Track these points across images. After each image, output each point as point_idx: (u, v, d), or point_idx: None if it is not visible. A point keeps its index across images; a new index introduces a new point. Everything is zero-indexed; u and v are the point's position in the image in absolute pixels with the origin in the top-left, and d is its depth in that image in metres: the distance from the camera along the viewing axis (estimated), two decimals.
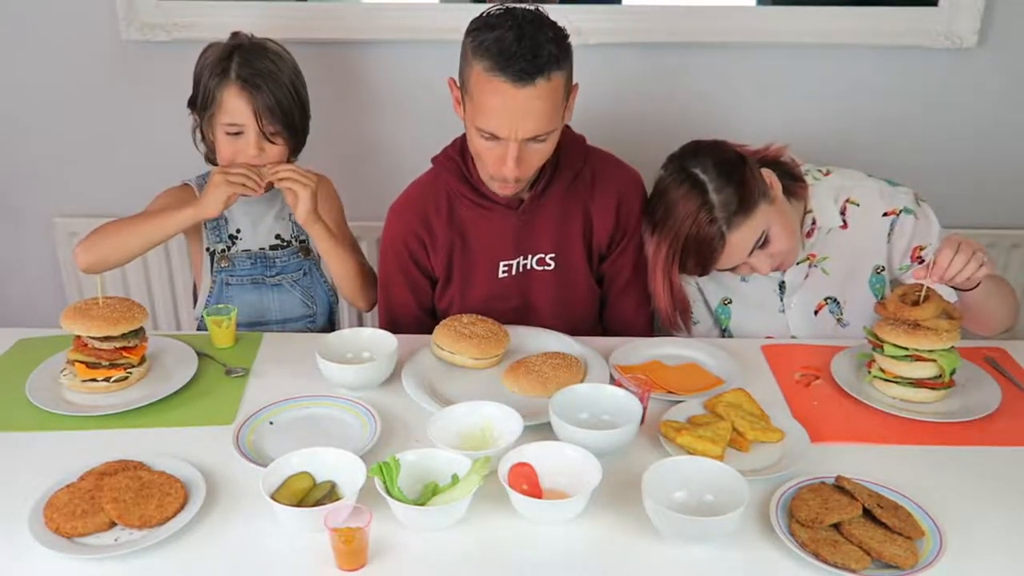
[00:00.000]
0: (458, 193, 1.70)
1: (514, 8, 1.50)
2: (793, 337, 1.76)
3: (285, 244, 1.89)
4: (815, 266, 1.72)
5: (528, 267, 1.75)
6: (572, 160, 1.70)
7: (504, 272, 1.74)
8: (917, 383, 1.45)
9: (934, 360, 1.43)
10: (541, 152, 1.57)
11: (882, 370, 1.48)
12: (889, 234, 1.68)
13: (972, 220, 2.40)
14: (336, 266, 1.84)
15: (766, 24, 2.23)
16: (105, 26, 2.24)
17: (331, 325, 2.00)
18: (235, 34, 1.78)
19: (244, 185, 1.66)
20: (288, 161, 1.79)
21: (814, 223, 1.68)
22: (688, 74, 2.30)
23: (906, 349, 1.44)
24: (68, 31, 2.26)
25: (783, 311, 1.76)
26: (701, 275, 1.63)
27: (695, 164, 1.57)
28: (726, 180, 1.54)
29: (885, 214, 1.68)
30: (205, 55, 1.75)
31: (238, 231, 1.87)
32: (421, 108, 2.32)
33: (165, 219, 1.70)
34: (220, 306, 1.67)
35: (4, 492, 1.22)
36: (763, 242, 1.57)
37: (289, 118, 1.73)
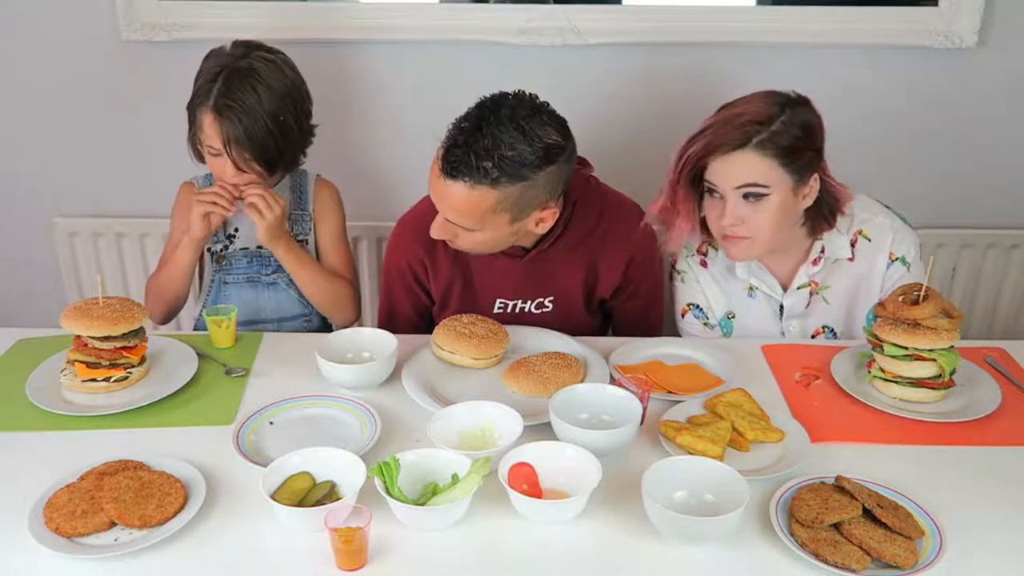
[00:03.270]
0: None
1: (501, 106, 1.46)
2: None
3: None
4: (817, 294, 1.71)
5: (527, 310, 1.75)
6: (585, 219, 1.67)
7: (499, 309, 1.75)
8: (917, 383, 1.45)
9: (934, 360, 1.43)
10: (474, 239, 1.55)
11: (882, 370, 1.48)
12: (883, 275, 1.68)
13: (972, 220, 2.40)
14: (304, 286, 1.87)
15: (766, 24, 2.23)
16: (105, 26, 2.24)
17: (326, 324, 2.00)
18: (235, 44, 1.77)
19: (215, 204, 1.72)
20: (275, 180, 1.86)
21: (823, 251, 1.67)
22: (688, 74, 2.30)
23: (906, 348, 1.44)
24: (68, 31, 2.26)
25: (783, 333, 1.75)
26: (697, 162, 1.55)
27: (794, 102, 1.54)
28: (799, 125, 1.52)
29: (890, 256, 1.68)
30: (205, 64, 1.76)
31: (236, 230, 1.89)
32: (421, 108, 2.32)
33: (177, 260, 1.82)
34: (220, 306, 1.67)
35: (4, 492, 1.22)
36: (757, 198, 1.53)
37: (263, 148, 1.72)
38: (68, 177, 2.43)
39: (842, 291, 1.70)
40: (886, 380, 1.47)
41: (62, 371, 1.49)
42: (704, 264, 1.75)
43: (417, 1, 2.25)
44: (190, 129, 1.78)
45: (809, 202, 1.59)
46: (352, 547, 1.08)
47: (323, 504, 1.14)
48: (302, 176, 1.93)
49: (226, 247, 1.89)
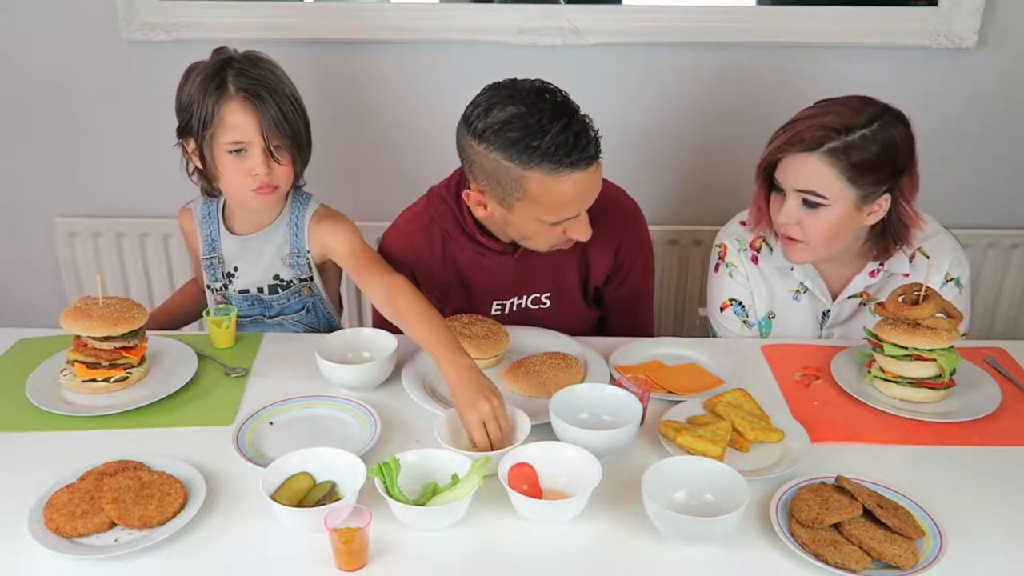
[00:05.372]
0: (451, 236, 1.68)
1: (544, 91, 1.46)
2: None
3: (285, 285, 1.73)
4: (865, 304, 1.70)
5: (524, 306, 1.75)
6: None
7: (497, 311, 1.75)
8: (917, 383, 1.45)
9: (934, 360, 1.43)
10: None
11: (882, 370, 1.48)
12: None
13: (972, 220, 2.40)
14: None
15: (766, 24, 2.24)
16: (105, 26, 2.24)
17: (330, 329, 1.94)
18: (219, 50, 1.62)
19: None
20: (295, 176, 1.65)
21: (882, 265, 1.67)
22: (688, 74, 2.30)
23: (906, 348, 1.44)
24: (68, 31, 2.26)
25: (819, 338, 1.74)
26: (769, 159, 1.56)
27: (885, 115, 1.51)
28: (880, 141, 1.49)
29: (946, 276, 1.67)
30: (191, 77, 1.60)
31: (235, 269, 1.73)
32: (422, 108, 2.33)
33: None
34: (220, 306, 1.67)
35: (4, 492, 1.22)
36: (814, 204, 1.53)
37: (295, 131, 1.59)
38: (68, 177, 2.43)
39: None
40: (886, 380, 1.47)
41: (62, 371, 1.49)
42: (756, 260, 1.73)
43: (417, 1, 2.25)
44: (197, 149, 1.59)
45: (874, 220, 1.58)
46: (352, 547, 1.08)
47: (323, 504, 1.14)
48: (301, 209, 1.70)
49: (225, 286, 1.75)
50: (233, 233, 1.73)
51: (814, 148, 1.50)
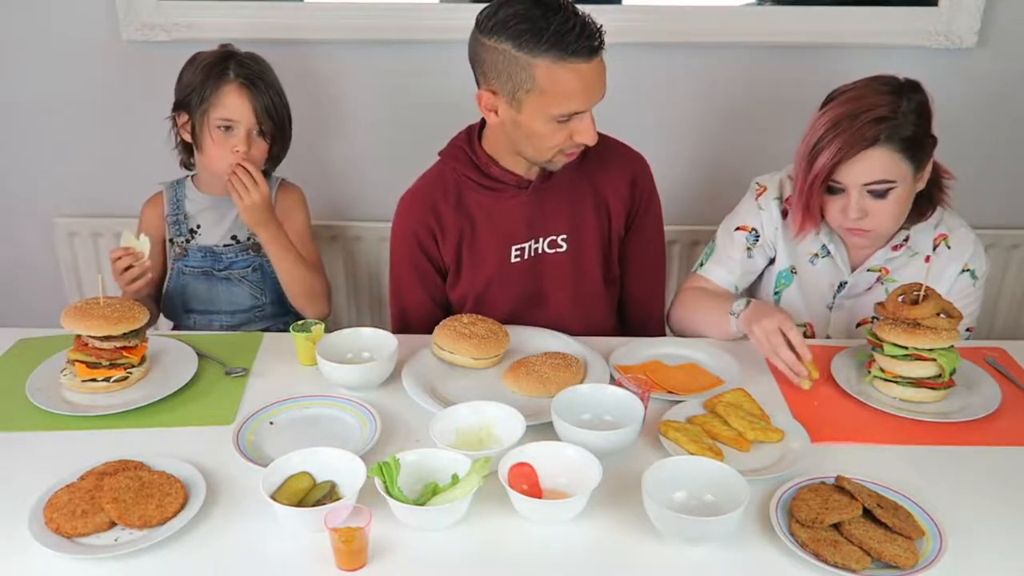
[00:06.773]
0: (466, 179, 1.70)
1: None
2: (828, 337, 1.76)
3: (238, 243, 1.95)
4: (882, 282, 1.71)
5: (540, 251, 1.74)
6: None
7: (516, 256, 1.74)
8: (917, 383, 1.45)
9: (934, 359, 1.43)
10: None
11: (882, 370, 1.48)
12: (951, 282, 1.68)
13: (971, 220, 2.37)
14: (282, 274, 1.91)
15: (766, 24, 2.24)
16: (105, 26, 2.24)
17: (284, 310, 2.01)
18: (226, 45, 1.86)
19: (128, 271, 1.73)
20: (268, 167, 1.92)
21: (906, 240, 1.68)
22: (688, 74, 2.30)
23: (906, 348, 1.44)
24: (68, 31, 2.26)
25: (830, 308, 1.76)
26: (829, 170, 1.54)
27: (907, 87, 1.56)
28: (916, 111, 1.53)
29: (964, 267, 1.68)
30: (196, 61, 1.82)
31: (198, 226, 1.93)
32: (424, 108, 2.32)
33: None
34: (302, 322, 1.59)
35: (4, 492, 1.22)
36: (883, 193, 1.55)
37: (281, 122, 1.86)
38: (68, 177, 2.43)
39: None
40: (886, 380, 1.47)
41: (62, 371, 1.49)
42: (784, 215, 1.74)
43: (417, 1, 2.25)
44: (189, 122, 1.81)
45: (923, 186, 1.60)
46: (352, 547, 1.08)
47: (323, 504, 1.14)
48: (268, 181, 1.94)
49: (188, 240, 1.93)
50: (203, 192, 1.95)
51: (874, 143, 1.51)
